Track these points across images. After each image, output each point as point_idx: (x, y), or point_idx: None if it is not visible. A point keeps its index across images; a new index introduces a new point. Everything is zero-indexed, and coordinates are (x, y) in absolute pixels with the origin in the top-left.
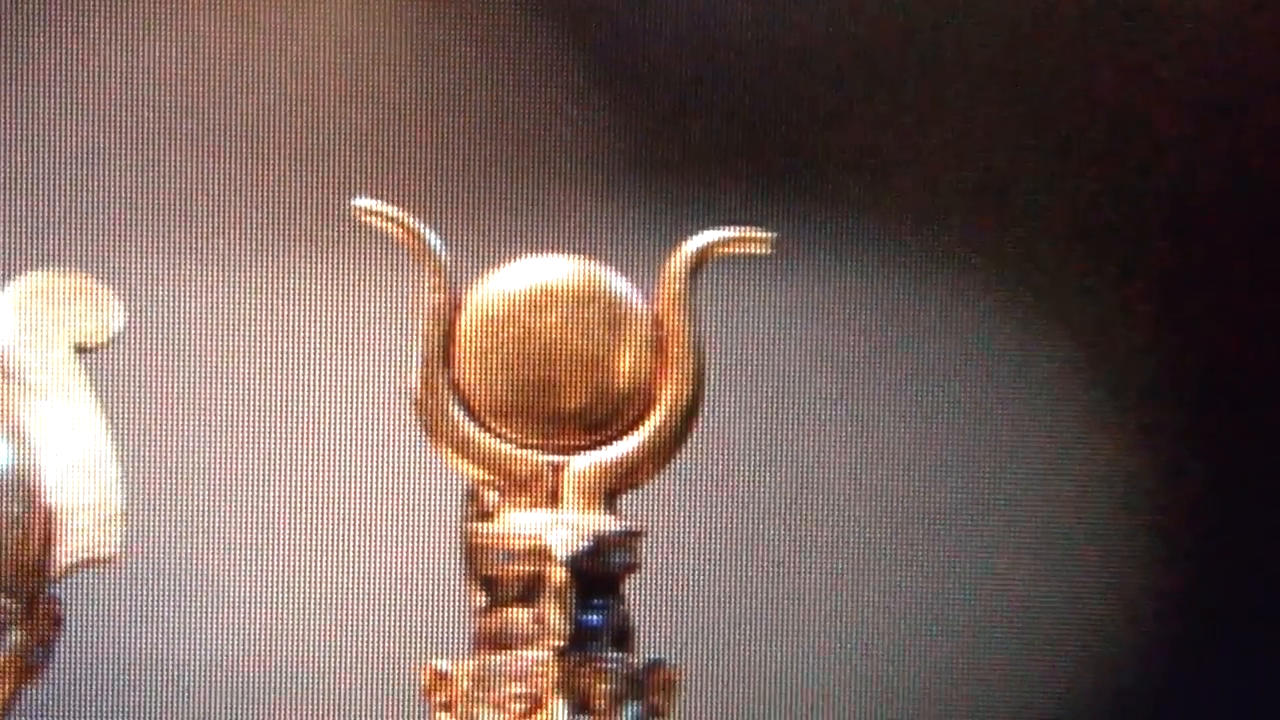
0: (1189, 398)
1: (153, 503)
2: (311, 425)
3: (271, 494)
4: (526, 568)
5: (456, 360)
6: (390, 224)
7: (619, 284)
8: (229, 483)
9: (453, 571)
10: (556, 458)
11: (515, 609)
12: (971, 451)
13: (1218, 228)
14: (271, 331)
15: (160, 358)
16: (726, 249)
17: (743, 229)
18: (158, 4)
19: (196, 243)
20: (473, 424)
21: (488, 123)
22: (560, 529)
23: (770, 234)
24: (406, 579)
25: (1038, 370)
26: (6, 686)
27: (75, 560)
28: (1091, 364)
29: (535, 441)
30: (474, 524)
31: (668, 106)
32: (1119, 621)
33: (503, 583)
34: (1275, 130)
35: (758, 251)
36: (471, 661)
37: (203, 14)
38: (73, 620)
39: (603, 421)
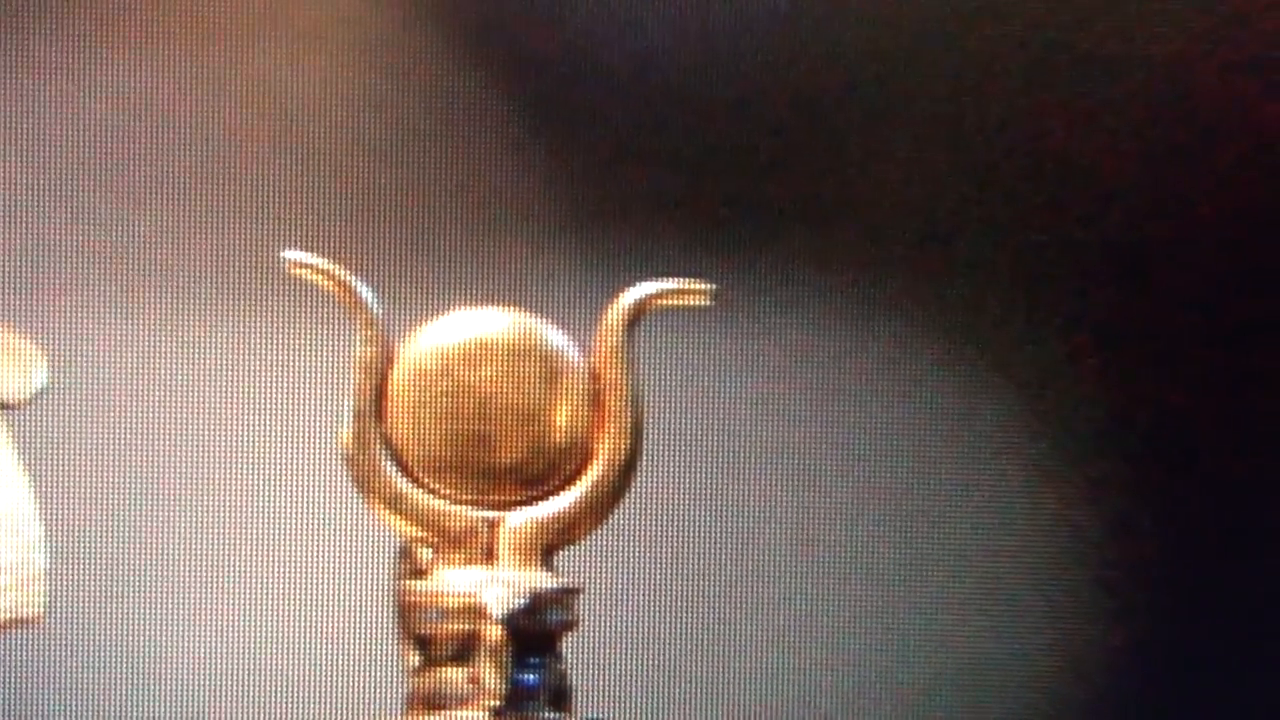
0: (1135, 451)
1: (77, 563)
2: (241, 482)
3: (200, 554)
4: (461, 626)
5: (389, 414)
6: (320, 276)
7: (555, 337)
8: (156, 543)
9: (385, 630)
10: (491, 514)
11: (450, 668)
12: (915, 505)
13: (1165, 279)
14: (200, 387)
15: (85, 414)
16: (665, 301)
17: (682, 280)
18: (89, 58)
19: (122, 296)
20: (405, 479)
21: (420, 172)
22: (495, 586)
23: (710, 285)
24: (339, 638)
25: (982, 423)
26: None
27: None
28: (1036, 416)
29: (470, 497)
30: (407, 581)
31: (605, 155)
32: (1066, 678)
33: (437, 642)
34: (1222, 180)
35: (697, 303)
36: None
37: (135, 68)
38: None
39: (539, 477)
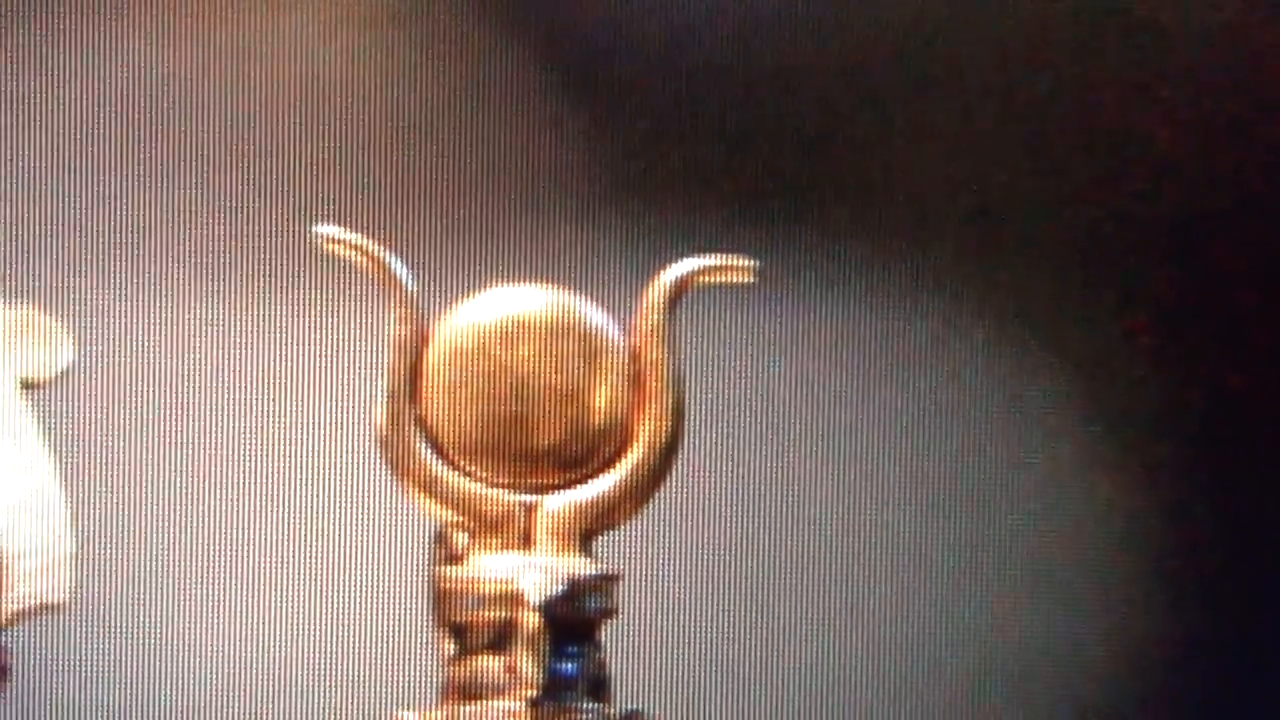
0: (1193, 433)
1: (104, 547)
2: (272, 464)
3: (230, 538)
4: (497, 613)
5: (424, 395)
6: (354, 252)
7: (594, 315)
8: (185, 527)
9: (420, 617)
10: (529, 497)
11: (486, 657)
12: (964, 490)
13: (1223, 255)
14: (230, 367)
15: (113, 394)
16: (707, 278)
17: (724, 256)
18: (114, 34)
19: (150, 275)
20: (441, 462)
21: (455, 147)
22: (533, 573)
23: (753, 261)
24: (372, 625)
25: (1033, 404)
26: None
27: (23, 607)
28: (1090, 398)
29: (506, 480)
30: (442, 568)
31: (645, 128)
32: (1122, 670)
33: (473, 629)
34: None
35: (740, 280)
36: (440, 712)
37: (161, 43)
38: (21, 671)
39: (578, 459)
